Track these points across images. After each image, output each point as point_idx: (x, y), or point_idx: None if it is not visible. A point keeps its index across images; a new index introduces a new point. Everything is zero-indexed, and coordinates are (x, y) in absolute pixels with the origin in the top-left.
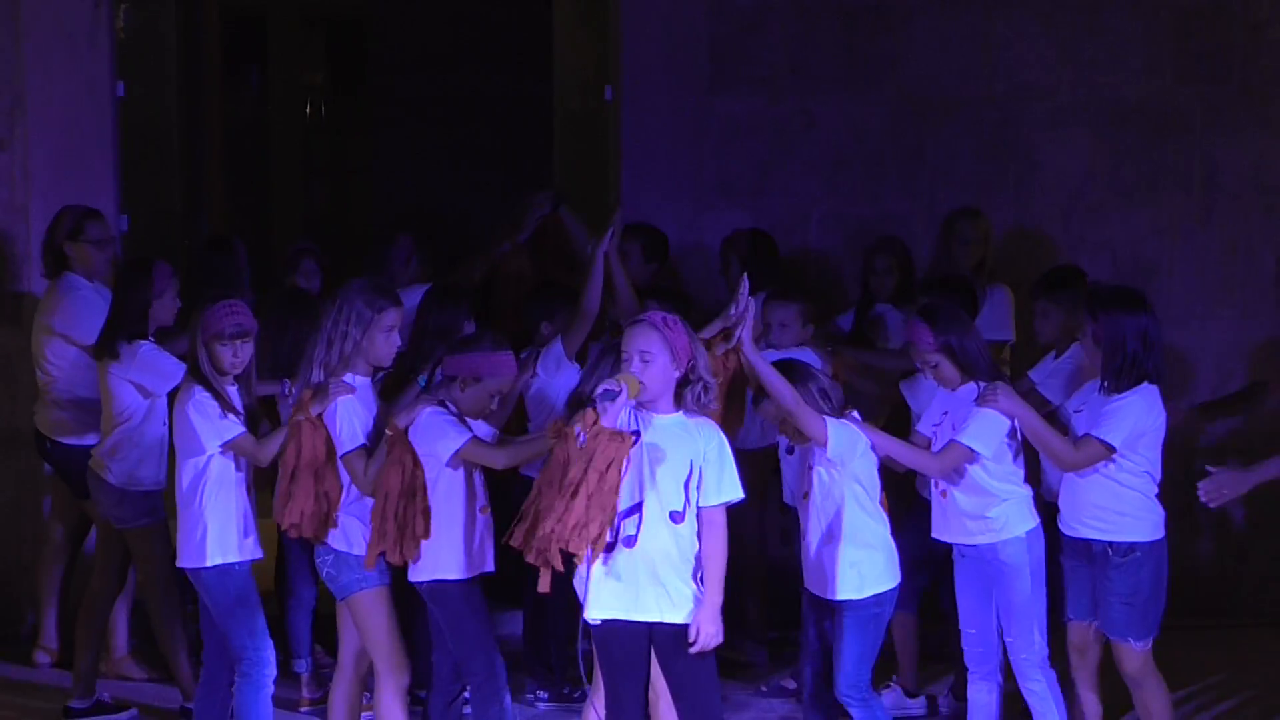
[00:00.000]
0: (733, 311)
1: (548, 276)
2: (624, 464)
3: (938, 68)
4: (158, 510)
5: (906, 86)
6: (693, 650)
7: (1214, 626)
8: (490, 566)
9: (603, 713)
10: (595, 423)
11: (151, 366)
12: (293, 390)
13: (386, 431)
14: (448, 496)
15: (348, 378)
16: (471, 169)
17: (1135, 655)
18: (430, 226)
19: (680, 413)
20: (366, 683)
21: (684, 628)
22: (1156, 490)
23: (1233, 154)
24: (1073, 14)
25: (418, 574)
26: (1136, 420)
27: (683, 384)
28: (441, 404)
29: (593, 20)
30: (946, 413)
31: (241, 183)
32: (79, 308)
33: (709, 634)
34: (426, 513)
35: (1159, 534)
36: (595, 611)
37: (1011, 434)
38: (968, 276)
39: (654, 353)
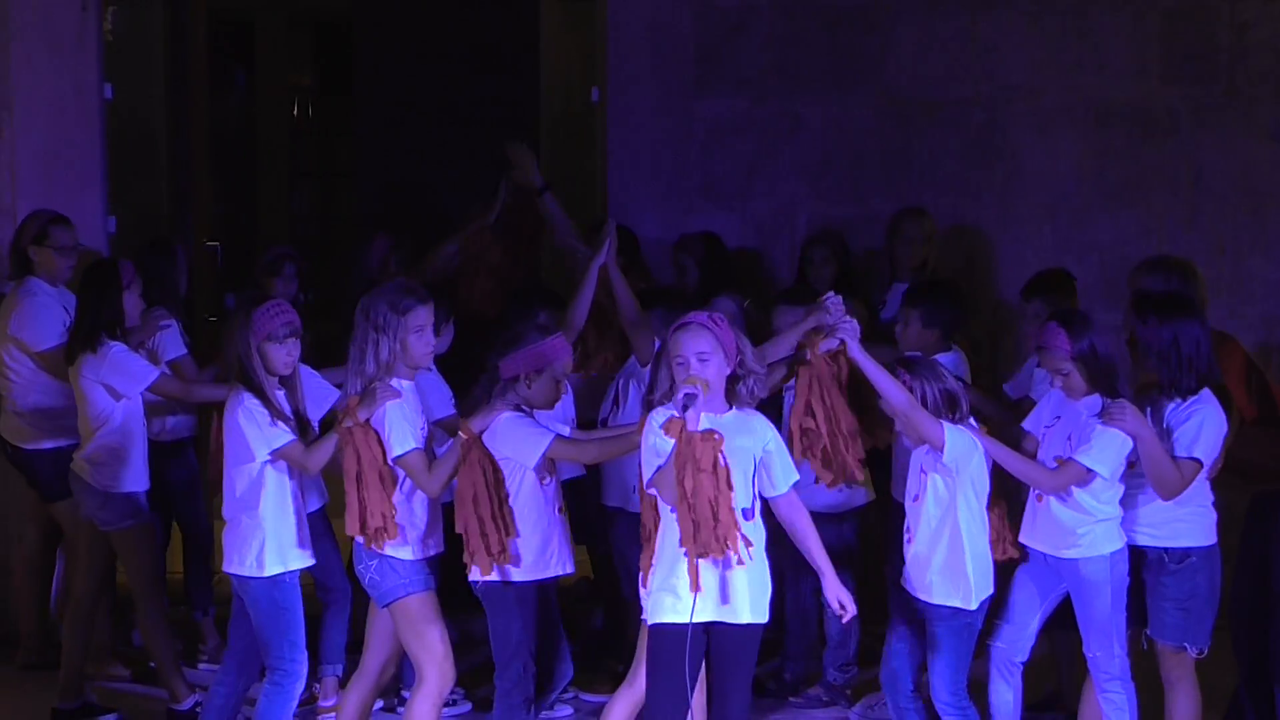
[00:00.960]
0: (829, 319)
1: (518, 259)
2: (724, 460)
3: (923, 69)
4: (141, 511)
5: (892, 88)
6: (844, 621)
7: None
8: (570, 569)
9: (625, 709)
10: (683, 429)
11: (122, 368)
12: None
13: (460, 435)
14: (526, 499)
15: (391, 382)
16: (458, 172)
17: (1181, 661)
18: (409, 225)
19: (733, 409)
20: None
21: (746, 627)
22: (1212, 496)
23: (1219, 155)
24: (1059, 15)
25: (487, 573)
26: (1219, 428)
27: (733, 379)
28: (518, 408)
29: (579, 23)
30: (1059, 417)
31: (229, 185)
32: (35, 312)
33: (850, 600)
34: (511, 515)
35: (1213, 539)
36: (666, 613)
37: (1129, 456)
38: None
39: (708, 352)
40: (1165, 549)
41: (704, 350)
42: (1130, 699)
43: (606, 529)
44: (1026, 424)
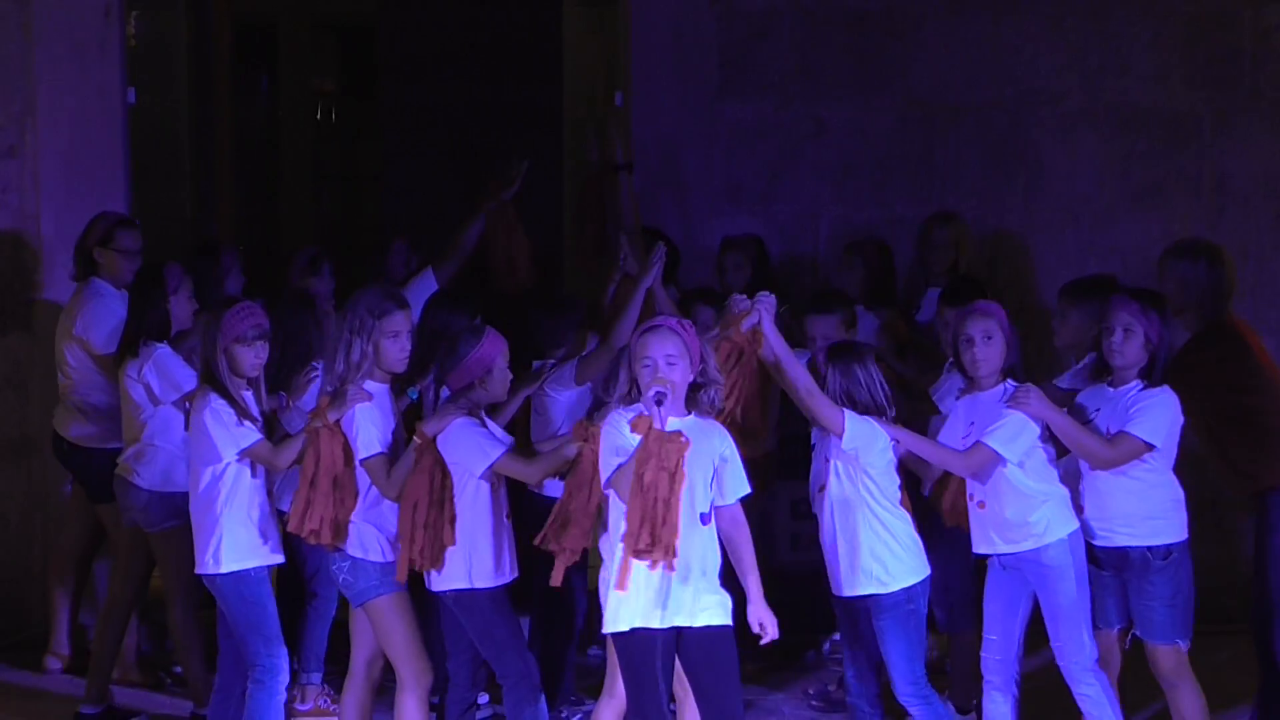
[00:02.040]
0: (739, 302)
1: (596, 237)
2: (684, 465)
3: (946, 73)
4: (183, 512)
5: (915, 92)
6: (763, 643)
7: (1228, 632)
8: (516, 573)
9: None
10: (650, 426)
11: (163, 372)
12: (291, 403)
13: (415, 439)
14: (475, 505)
15: (364, 385)
16: (481, 175)
17: (1177, 656)
18: (432, 229)
19: (693, 415)
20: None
21: (716, 629)
22: (1181, 491)
23: (1242, 159)
24: (1081, 19)
25: (443, 583)
26: (1174, 417)
27: (694, 387)
28: (471, 413)
29: (602, 27)
30: (974, 423)
31: (252, 189)
32: (99, 314)
33: (773, 623)
34: (453, 521)
35: (1187, 533)
36: (625, 620)
37: (1044, 437)
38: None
39: (676, 356)
40: (1149, 547)
41: (672, 354)
42: (1105, 687)
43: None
44: (942, 439)
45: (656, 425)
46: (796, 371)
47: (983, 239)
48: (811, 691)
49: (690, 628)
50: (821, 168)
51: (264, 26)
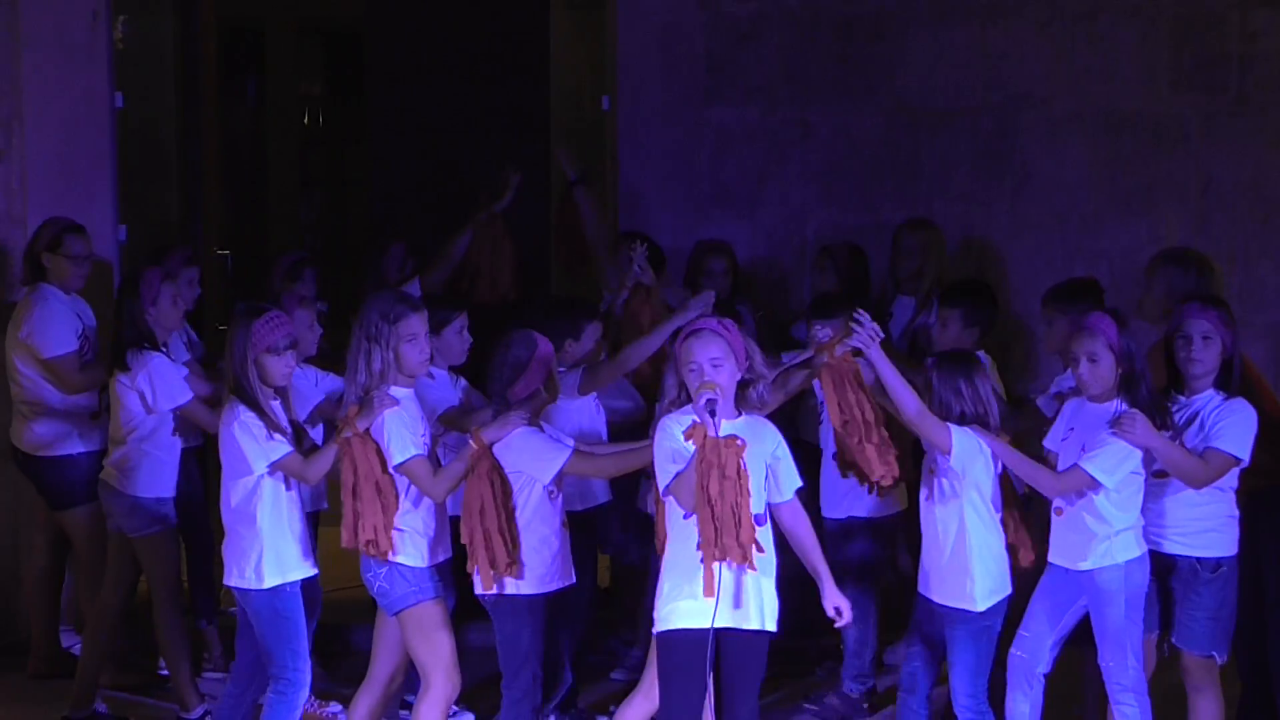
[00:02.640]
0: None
1: (573, 252)
2: (744, 465)
3: (933, 77)
4: (169, 518)
5: (902, 96)
6: (839, 625)
7: None
8: (572, 579)
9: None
10: (705, 435)
11: (160, 379)
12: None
13: (470, 444)
14: (534, 512)
15: (388, 391)
16: (468, 179)
17: (1210, 668)
18: (421, 233)
19: (743, 415)
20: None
21: (756, 633)
22: (1236, 507)
23: (1229, 164)
24: (1068, 24)
25: (489, 587)
26: (1253, 427)
27: (743, 385)
28: (530, 421)
29: (589, 31)
30: (1073, 429)
31: (239, 193)
32: (45, 318)
33: (848, 607)
34: (517, 528)
35: (1236, 548)
36: (680, 619)
37: (1142, 464)
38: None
39: (721, 358)
40: (1199, 559)
41: (716, 356)
42: (1144, 710)
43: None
44: (1046, 442)
45: (711, 433)
46: (905, 395)
47: (969, 244)
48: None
49: (739, 630)
50: (808, 172)
51: (251, 31)
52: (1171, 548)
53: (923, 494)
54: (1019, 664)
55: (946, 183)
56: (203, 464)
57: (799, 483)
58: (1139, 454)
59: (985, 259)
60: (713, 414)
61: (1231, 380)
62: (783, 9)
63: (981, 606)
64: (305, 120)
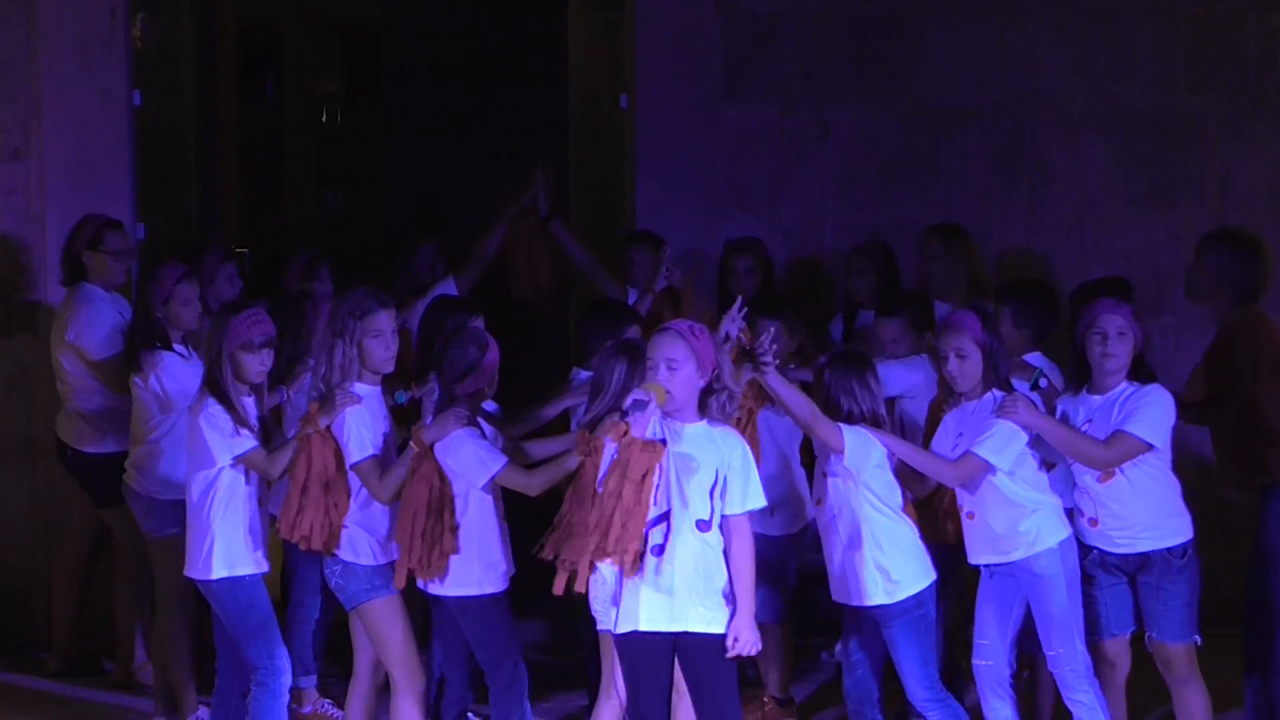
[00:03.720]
0: (731, 333)
1: (534, 283)
2: (657, 473)
3: (951, 77)
4: (183, 520)
5: (919, 96)
6: (729, 655)
7: (1233, 635)
8: (514, 569)
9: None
10: (626, 433)
11: (171, 379)
12: (291, 396)
13: (411, 445)
14: (478, 512)
15: (353, 387)
16: (486, 178)
17: (1190, 654)
18: (434, 231)
19: (704, 421)
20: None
21: (710, 637)
22: (1180, 488)
23: (1247, 163)
24: (1086, 23)
25: (446, 588)
26: (1169, 413)
27: (706, 392)
28: (470, 421)
29: (607, 30)
30: (962, 434)
31: (256, 191)
32: (91, 319)
33: (747, 640)
34: (454, 529)
35: (1193, 530)
36: (623, 623)
37: (1033, 444)
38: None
39: (680, 360)
40: (1169, 548)
41: (675, 358)
42: (1098, 695)
43: None
44: (935, 449)
45: (634, 432)
46: (795, 399)
47: (987, 243)
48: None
49: (686, 633)
50: (826, 172)
51: (269, 29)
52: (1141, 546)
53: (813, 498)
54: (986, 672)
55: (964, 182)
56: None
57: (758, 503)
58: (1025, 435)
59: (1002, 258)
60: (625, 414)
61: (1143, 373)
62: (801, 9)
63: (901, 595)
64: (323, 119)
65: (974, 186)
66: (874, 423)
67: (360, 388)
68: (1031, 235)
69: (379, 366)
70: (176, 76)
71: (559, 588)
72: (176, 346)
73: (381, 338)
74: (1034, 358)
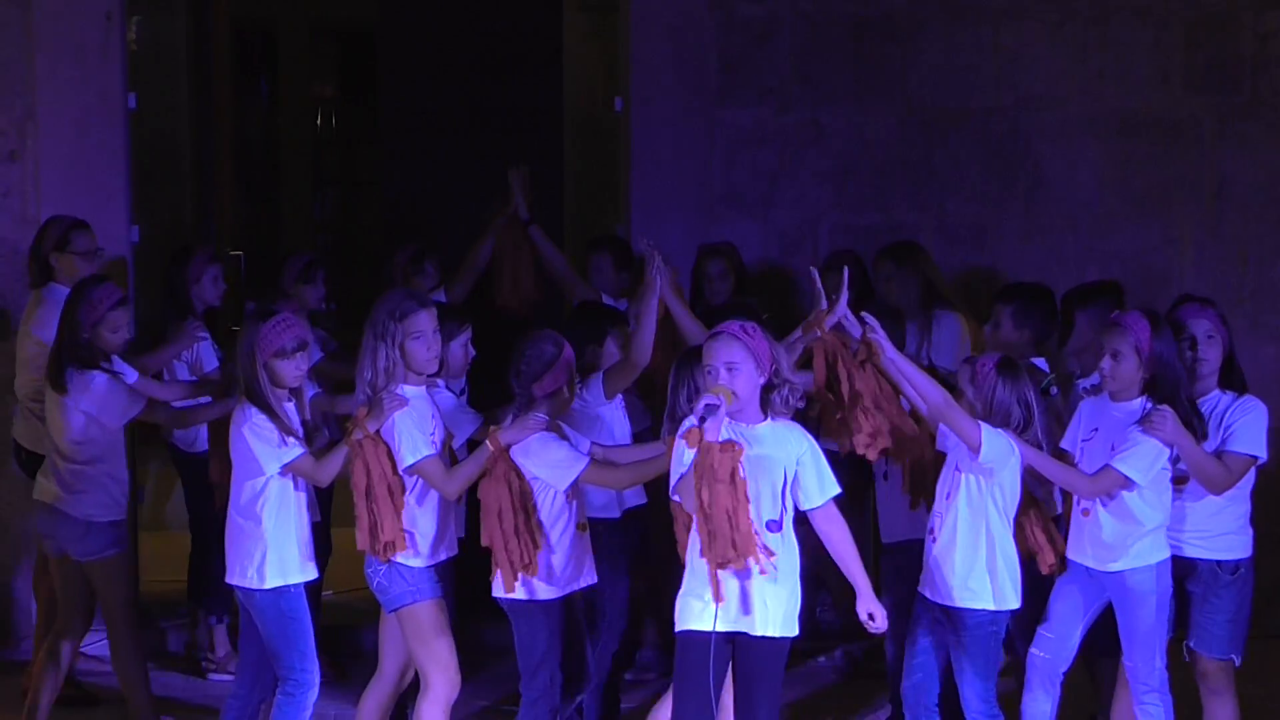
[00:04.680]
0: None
1: (517, 290)
2: (743, 469)
3: (946, 78)
4: (123, 539)
5: (915, 97)
6: (871, 631)
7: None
8: (594, 579)
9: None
10: (701, 438)
11: (106, 401)
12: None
13: (487, 445)
14: (550, 516)
15: (399, 389)
16: (482, 180)
17: (1228, 671)
18: (429, 234)
19: (768, 419)
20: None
21: (770, 640)
22: (1250, 508)
23: (1243, 164)
24: (1081, 25)
25: (509, 591)
26: (1266, 424)
27: (768, 389)
28: (549, 426)
29: (602, 32)
30: (1097, 429)
31: (252, 194)
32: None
33: (882, 615)
34: (540, 529)
35: (1252, 550)
36: (694, 621)
37: (1172, 461)
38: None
39: (738, 362)
40: (1219, 561)
41: (733, 360)
42: (1168, 711)
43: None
44: (1064, 443)
45: (707, 437)
46: (928, 385)
47: (981, 245)
48: None
49: (749, 635)
50: (821, 173)
51: (263, 31)
52: (1192, 551)
53: (940, 490)
54: (1040, 664)
55: (959, 184)
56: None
57: (834, 490)
58: (1168, 451)
59: (997, 260)
60: (704, 419)
61: (1235, 378)
62: (795, 10)
63: (999, 606)
64: (318, 120)
65: (969, 188)
66: (1016, 429)
67: (406, 390)
68: (1026, 237)
69: (422, 367)
70: (172, 79)
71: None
72: (108, 363)
73: (423, 338)
74: (1040, 362)
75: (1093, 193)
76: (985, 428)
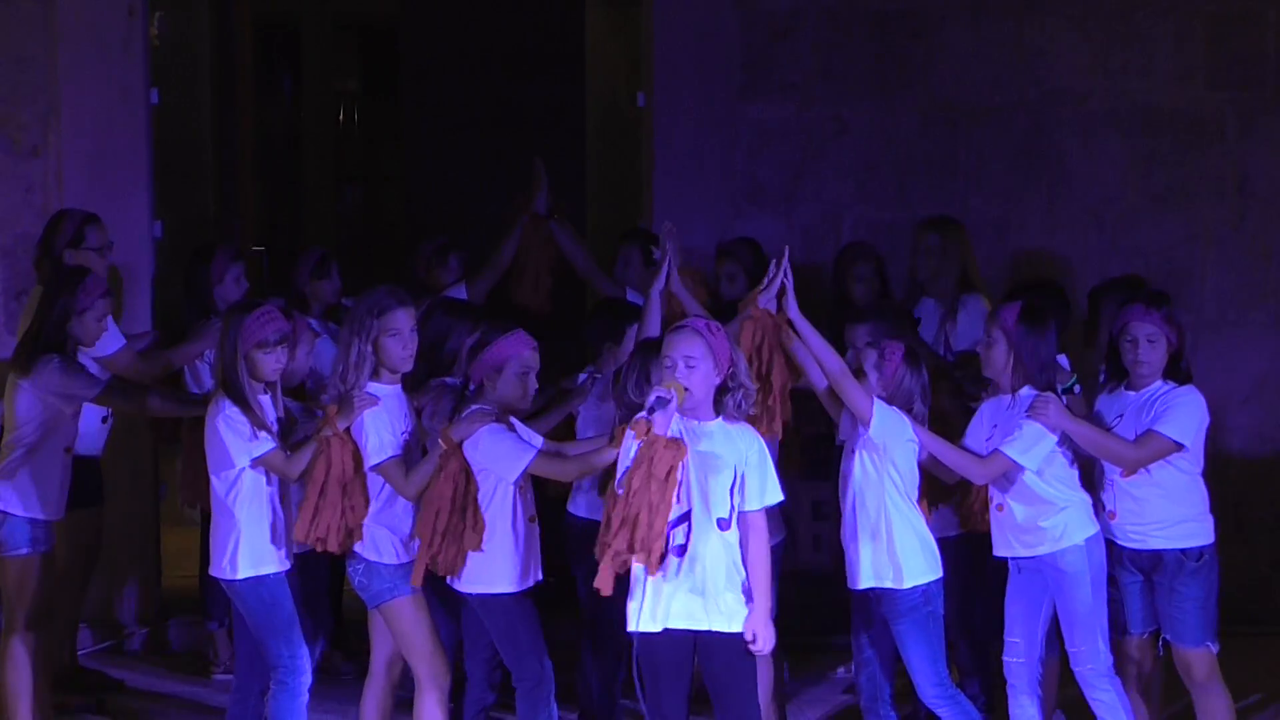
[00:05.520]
0: (771, 276)
1: (538, 286)
2: (680, 470)
3: (969, 74)
4: (40, 541)
5: (938, 93)
6: (754, 651)
7: (1248, 634)
8: (540, 575)
9: None
10: (649, 431)
11: (68, 381)
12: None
13: (439, 443)
14: (500, 509)
15: (370, 387)
16: (504, 175)
17: (1208, 660)
18: (452, 229)
19: (720, 419)
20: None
21: (731, 636)
22: (1207, 494)
23: (1266, 160)
24: (1105, 20)
25: (469, 586)
26: (1201, 416)
27: (722, 390)
28: (498, 419)
29: (625, 28)
30: (995, 425)
31: (274, 189)
32: None
33: (765, 638)
34: (479, 527)
35: (1214, 535)
36: (645, 622)
37: (1062, 443)
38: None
39: (697, 358)
40: (1183, 550)
41: (692, 355)
42: (1120, 694)
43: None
44: (966, 440)
45: (656, 430)
46: (827, 352)
47: (1005, 240)
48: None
49: (706, 632)
50: (844, 169)
51: (286, 27)
52: (1154, 543)
53: (842, 476)
54: (1017, 669)
55: (982, 179)
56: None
57: (776, 497)
58: (1054, 435)
59: (1020, 255)
60: (651, 411)
61: (1180, 373)
62: (819, 5)
63: (909, 584)
64: (340, 117)
65: (992, 184)
66: (910, 411)
67: (379, 387)
68: (1049, 232)
69: (396, 365)
70: (194, 75)
71: (606, 587)
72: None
73: (399, 336)
74: (1061, 359)
75: (1116, 189)
76: (878, 403)
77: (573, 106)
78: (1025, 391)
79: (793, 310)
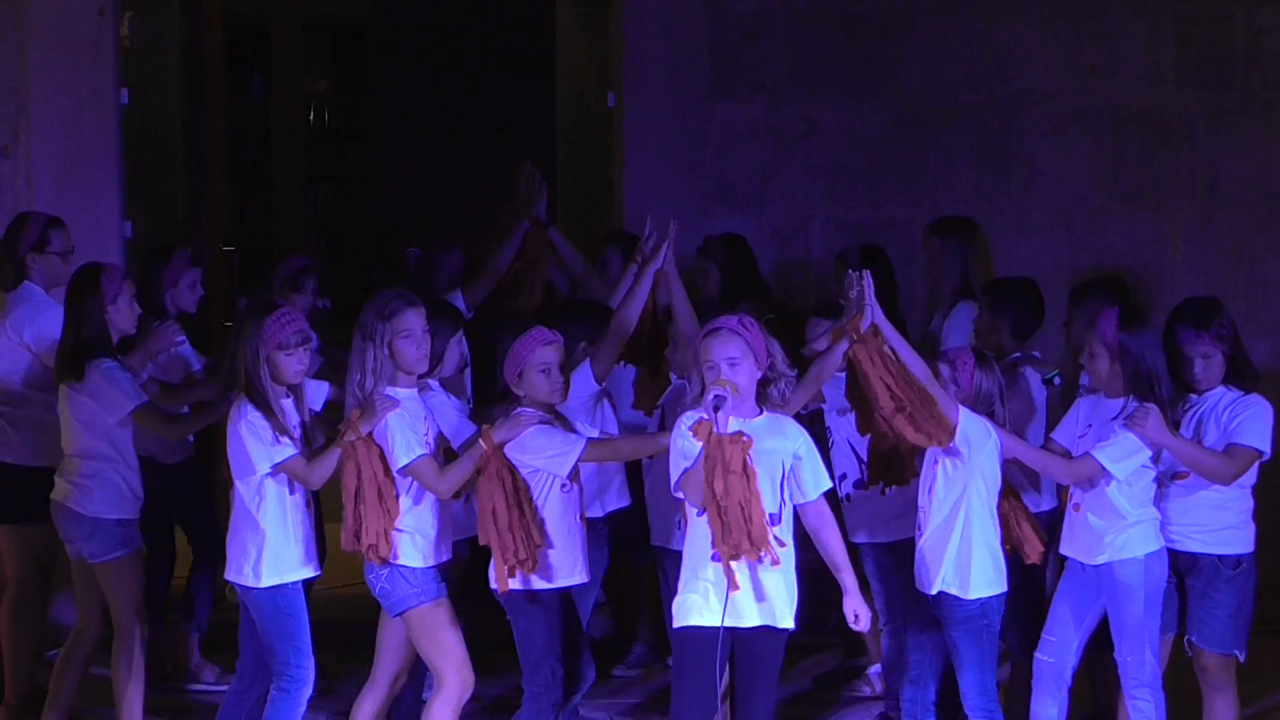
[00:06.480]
0: (854, 296)
1: (533, 292)
2: (752, 462)
3: (938, 74)
4: (134, 539)
5: (907, 93)
6: (856, 628)
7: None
8: (585, 577)
9: None
10: (711, 431)
11: (114, 386)
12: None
13: (480, 444)
14: (551, 506)
15: (389, 391)
16: (474, 176)
17: (1230, 666)
18: (420, 229)
19: (764, 413)
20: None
21: (768, 631)
22: (1253, 504)
23: (1235, 160)
24: (1073, 20)
25: (504, 587)
26: (1271, 420)
27: (764, 383)
28: (542, 419)
29: (595, 28)
30: (1091, 425)
31: (244, 190)
32: (46, 326)
33: (867, 615)
34: (540, 524)
35: (1254, 545)
36: (697, 617)
37: (1153, 459)
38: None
39: (738, 357)
40: (1220, 556)
41: (733, 355)
42: (1159, 706)
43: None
44: (1056, 434)
45: (716, 430)
46: (913, 359)
47: None
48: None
49: (744, 627)
50: (813, 169)
51: (256, 28)
52: (1192, 546)
53: (923, 486)
54: (1045, 668)
55: (951, 179)
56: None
57: (827, 484)
58: (1149, 449)
59: (989, 256)
60: (716, 410)
61: (1241, 376)
62: (788, 6)
63: (973, 595)
64: (310, 117)
65: (961, 183)
66: (992, 415)
67: (396, 391)
68: (1019, 232)
69: (412, 367)
70: (164, 75)
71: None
72: (116, 353)
73: (412, 338)
74: (1038, 355)
75: (1085, 188)
76: (962, 409)
77: (542, 106)
78: (1129, 399)
79: (878, 316)
